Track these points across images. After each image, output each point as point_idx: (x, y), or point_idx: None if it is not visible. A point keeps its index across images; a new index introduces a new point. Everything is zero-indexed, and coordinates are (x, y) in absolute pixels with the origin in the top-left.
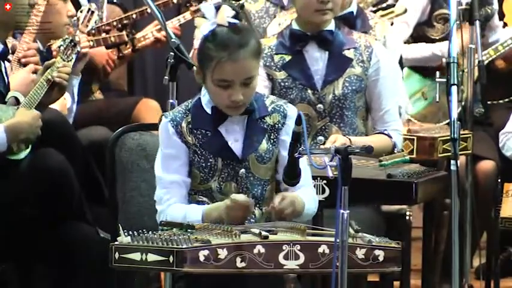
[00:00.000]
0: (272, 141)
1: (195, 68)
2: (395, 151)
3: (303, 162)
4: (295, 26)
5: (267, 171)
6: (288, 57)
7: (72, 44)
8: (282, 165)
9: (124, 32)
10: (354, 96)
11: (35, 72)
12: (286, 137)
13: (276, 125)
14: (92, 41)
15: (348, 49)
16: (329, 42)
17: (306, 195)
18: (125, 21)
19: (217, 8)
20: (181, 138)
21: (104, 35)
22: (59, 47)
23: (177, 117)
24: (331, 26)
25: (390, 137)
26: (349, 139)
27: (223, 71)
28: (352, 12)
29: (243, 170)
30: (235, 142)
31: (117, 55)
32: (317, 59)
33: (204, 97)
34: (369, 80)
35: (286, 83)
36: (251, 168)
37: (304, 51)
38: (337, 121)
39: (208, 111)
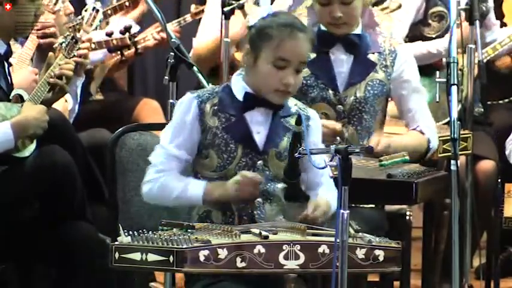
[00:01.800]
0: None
1: (244, 47)
2: (430, 147)
3: (327, 172)
4: (323, 27)
5: (281, 169)
6: (313, 55)
7: (74, 40)
8: (307, 168)
9: (126, 35)
10: (375, 100)
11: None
12: (309, 141)
13: None
14: (93, 43)
15: (373, 53)
16: (356, 45)
17: (331, 197)
18: (127, 24)
19: None
20: (201, 118)
21: (106, 38)
22: (61, 44)
23: (203, 96)
24: (358, 29)
25: (423, 133)
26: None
27: (284, 49)
28: None
29: (260, 162)
30: (256, 134)
31: (120, 59)
32: (342, 62)
33: (236, 84)
34: (394, 83)
35: (309, 81)
36: (269, 162)
37: (330, 53)
38: (355, 123)
39: (239, 97)
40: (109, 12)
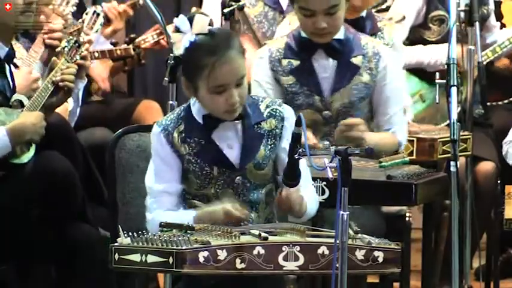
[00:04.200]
0: (270, 147)
1: (182, 82)
2: (400, 150)
3: (302, 162)
4: (303, 34)
5: (264, 176)
6: (296, 62)
7: (77, 45)
8: (282, 167)
9: (131, 46)
10: (361, 103)
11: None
12: (285, 142)
13: (274, 131)
14: (97, 52)
15: (356, 56)
16: (337, 51)
17: (306, 194)
18: (132, 36)
19: (191, 19)
20: (173, 148)
21: (111, 47)
22: (63, 48)
23: (168, 127)
24: (339, 34)
25: (395, 136)
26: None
27: (218, 75)
28: (363, 16)
29: (239, 178)
30: (229, 149)
31: (123, 69)
32: (325, 67)
33: (194, 106)
34: (376, 85)
35: (294, 89)
36: (247, 175)
37: (313, 59)
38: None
39: (199, 120)
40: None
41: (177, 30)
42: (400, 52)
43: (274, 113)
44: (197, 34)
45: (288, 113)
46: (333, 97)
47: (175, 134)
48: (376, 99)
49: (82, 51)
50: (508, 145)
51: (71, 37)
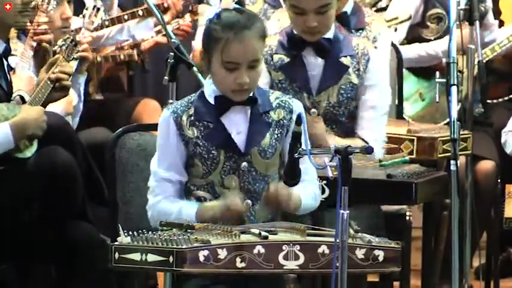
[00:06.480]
0: (276, 136)
1: (200, 53)
2: (372, 156)
3: (305, 158)
4: (294, 31)
5: (269, 167)
6: (286, 59)
7: (73, 43)
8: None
9: (135, 51)
10: (349, 103)
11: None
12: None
13: (281, 121)
14: (100, 57)
15: (345, 56)
16: (326, 50)
17: (303, 189)
18: (136, 42)
19: None
20: (180, 132)
21: (116, 51)
22: (60, 46)
23: (178, 110)
24: (329, 33)
25: (366, 142)
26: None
27: (230, 52)
28: (346, 12)
29: (245, 164)
30: (237, 134)
31: (127, 74)
32: (314, 65)
33: (207, 88)
34: (361, 86)
35: (283, 85)
36: (253, 162)
37: (303, 56)
38: (332, 126)
39: (211, 101)
40: (106, 23)
41: (207, 3)
42: (381, 46)
43: (283, 104)
44: (223, 9)
45: (297, 107)
46: (320, 96)
47: (184, 117)
48: (358, 99)
49: (78, 50)
50: (507, 134)
51: (67, 36)
